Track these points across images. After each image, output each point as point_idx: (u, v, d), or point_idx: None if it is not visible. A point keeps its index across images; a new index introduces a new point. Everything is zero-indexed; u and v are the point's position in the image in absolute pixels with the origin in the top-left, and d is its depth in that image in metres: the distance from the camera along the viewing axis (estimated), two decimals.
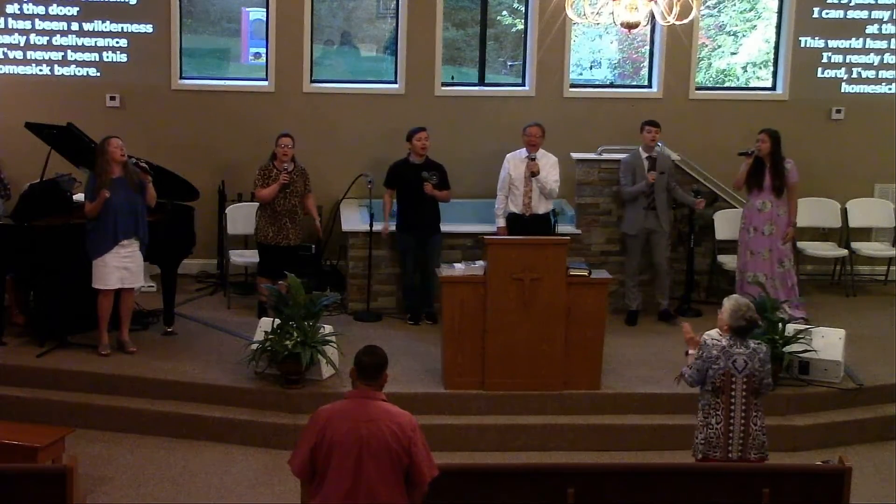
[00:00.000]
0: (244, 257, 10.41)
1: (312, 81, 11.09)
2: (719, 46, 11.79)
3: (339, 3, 11.41)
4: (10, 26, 10.69)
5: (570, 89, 11.29)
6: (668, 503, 5.77)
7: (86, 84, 10.81)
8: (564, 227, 10.06)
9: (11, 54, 10.73)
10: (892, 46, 11.48)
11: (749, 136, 10.89)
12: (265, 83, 11.05)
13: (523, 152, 9.77)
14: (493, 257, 8.33)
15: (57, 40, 10.75)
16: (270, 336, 8.32)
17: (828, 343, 8.68)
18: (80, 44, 10.77)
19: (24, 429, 7.43)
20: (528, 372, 8.38)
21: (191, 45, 11.11)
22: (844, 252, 11.21)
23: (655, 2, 8.83)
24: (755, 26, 11.72)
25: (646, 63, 11.53)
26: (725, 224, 10.63)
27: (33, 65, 10.77)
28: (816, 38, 11.43)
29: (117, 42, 10.79)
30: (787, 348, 8.47)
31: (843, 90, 11.51)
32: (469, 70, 11.52)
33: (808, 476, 5.92)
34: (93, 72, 10.82)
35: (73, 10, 10.71)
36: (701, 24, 11.36)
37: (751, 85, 11.76)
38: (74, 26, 10.74)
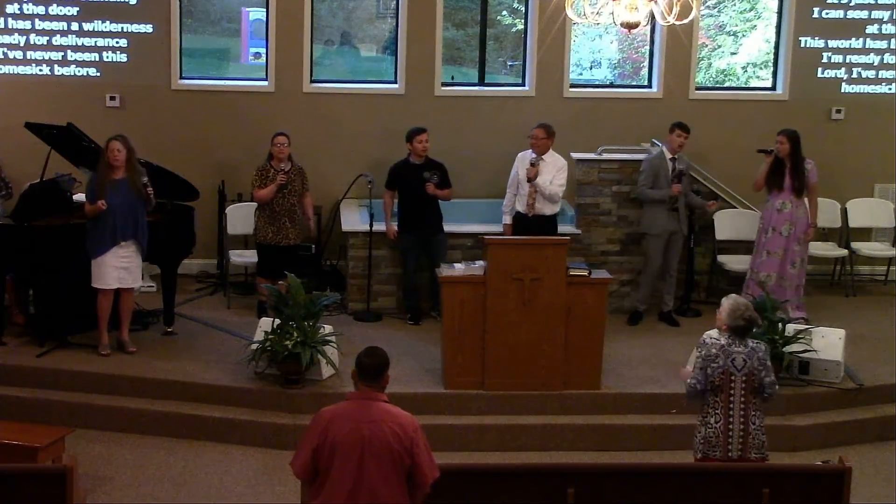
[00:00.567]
0: (244, 257, 10.41)
1: (312, 81, 11.09)
2: (719, 46, 11.79)
3: (339, 3, 11.41)
4: (10, 26, 10.69)
5: (570, 89, 11.29)
6: (668, 503, 5.77)
7: (86, 84, 10.81)
8: (564, 227, 10.06)
9: (11, 54, 10.73)
10: (892, 46, 11.48)
11: (749, 136, 10.93)
12: (265, 83, 11.05)
13: (531, 153, 9.78)
14: (493, 257, 8.33)
15: (57, 40, 10.75)
16: (270, 336, 8.32)
17: (828, 343, 8.68)
18: (79, 44, 10.77)
19: (24, 429, 7.43)
20: (528, 372, 8.38)
21: (191, 45, 11.11)
22: (844, 252, 11.21)
23: (655, 2, 8.82)
24: (755, 26, 11.73)
25: (646, 63, 11.53)
26: (725, 224, 10.63)
27: (33, 65, 10.77)
28: (816, 38, 11.43)
29: (117, 42, 10.79)
30: (787, 348, 8.47)
31: (843, 90, 11.51)
32: (469, 70, 11.52)
33: (808, 476, 5.93)
34: (93, 72, 10.82)
35: (73, 10, 10.71)
36: (701, 24, 11.36)
37: (751, 85, 11.77)
38: (74, 26, 10.74)
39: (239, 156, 10.77)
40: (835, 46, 11.45)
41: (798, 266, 9.82)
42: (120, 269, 8.70)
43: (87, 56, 10.79)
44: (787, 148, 9.68)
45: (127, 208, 8.64)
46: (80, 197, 9.16)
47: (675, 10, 8.83)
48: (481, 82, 11.43)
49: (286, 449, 7.76)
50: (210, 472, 7.76)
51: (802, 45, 11.42)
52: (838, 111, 11.52)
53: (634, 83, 11.66)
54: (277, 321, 8.35)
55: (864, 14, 11.42)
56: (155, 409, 8.34)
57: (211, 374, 8.59)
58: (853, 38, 11.45)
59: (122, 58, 10.81)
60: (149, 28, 10.78)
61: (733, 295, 6.57)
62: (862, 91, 11.52)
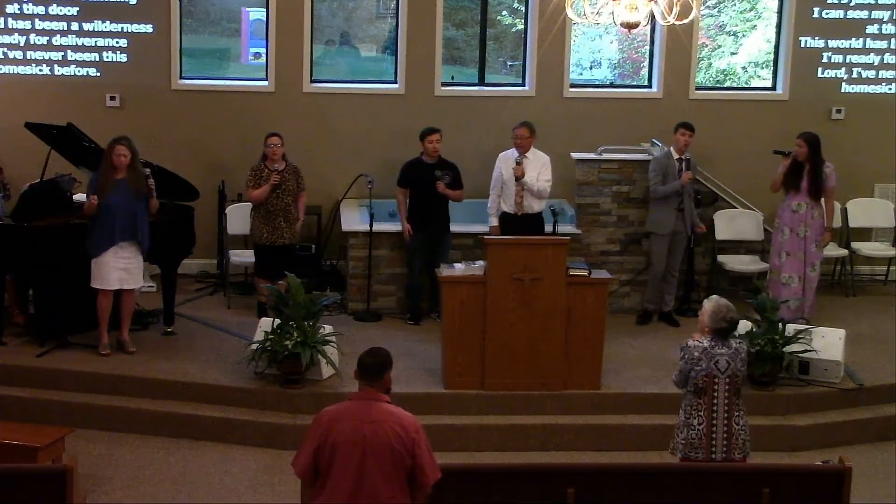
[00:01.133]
0: (244, 257, 10.41)
1: (312, 81, 11.08)
2: (719, 46, 11.79)
3: (339, 3, 11.41)
4: (10, 26, 10.69)
5: (570, 89, 11.29)
6: (668, 503, 5.77)
7: (86, 84, 10.81)
8: (564, 227, 10.05)
9: (11, 54, 10.73)
10: (892, 46, 11.48)
11: (749, 136, 10.94)
12: (265, 83, 11.04)
13: (514, 152, 9.76)
14: (493, 257, 8.33)
15: (57, 40, 10.75)
16: (270, 336, 8.32)
17: (828, 343, 8.68)
18: (79, 44, 10.77)
19: (24, 429, 7.44)
20: (528, 372, 8.38)
21: (191, 45, 11.10)
22: (844, 252, 11.20)
23: (655, 2, 8.82)
24: (755, 26, 11.72)
25: (646, 63, 11.53)
26: (725, 224, 10.63)
27: (33, 65, 10.76)
28: (816, 38, 11.43)
29: (117, 42, 10.79)
30: (787, 348, 8.47)
31: (843, 90, 11.51)
32: (469, 70, 11.52)
33: (808, 476, 5.93)
34: (93, 72, 10.82)
35: (73, 10, 10.71)
36: (701, 24, 11.36)
37: (751, 85, 11.76)
38: (74, 26, 10.73)
39: (239, 156, 10.76)
40: (835, 46, 11.45)
41: (816, 269, 9.81)
42: (121, 269, 8.71)
43: (87, 56, 10.78)
44: (805, 151, 9.66)
45: (127, 208, 8.65)
46: (80, 197, 9.17)
47: (675, 10, 8.83)
48: (481, 82, 11.43)
49: (286, 449, 7.77)
50: (210, 472, 7.76)
51: (802, 45, 11.41)
52: (838, 111, 11.51)
53: (634, 83, 11.65)
54: (277, 321, 8.35)
55: (864, 14, 11.42)
56: (155, 409, 8.35)
57: (211, 375, 8.59)
58: (853, 38, 11.44)
59: (122, 58, 10.81)
60: (149, 28, 10.78)
61: (714, 297, 6.55)
62: (862, 91, 11.52)
